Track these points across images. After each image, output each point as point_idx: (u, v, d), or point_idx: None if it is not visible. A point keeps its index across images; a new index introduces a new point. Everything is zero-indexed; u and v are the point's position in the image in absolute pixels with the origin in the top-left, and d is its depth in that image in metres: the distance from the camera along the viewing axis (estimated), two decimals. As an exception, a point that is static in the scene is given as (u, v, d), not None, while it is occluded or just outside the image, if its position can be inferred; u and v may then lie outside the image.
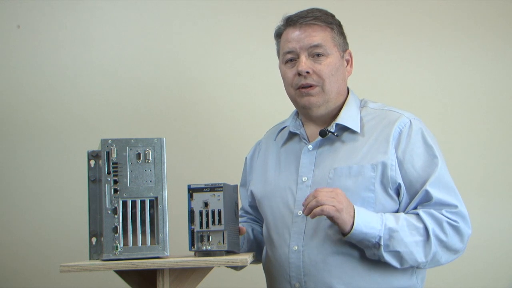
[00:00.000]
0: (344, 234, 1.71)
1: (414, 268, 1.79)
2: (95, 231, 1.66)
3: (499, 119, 2.58)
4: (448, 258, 1.76)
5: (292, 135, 1.95)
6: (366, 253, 1.73)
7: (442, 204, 1.75)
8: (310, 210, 1.68)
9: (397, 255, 1.71)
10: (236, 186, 1.78)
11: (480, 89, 2.59)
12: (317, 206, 1.66)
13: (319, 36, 1.85)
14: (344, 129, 1.86)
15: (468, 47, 2.60)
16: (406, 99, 2.53)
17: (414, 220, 1.73)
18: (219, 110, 2.61)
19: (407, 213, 1.77)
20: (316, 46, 1.84)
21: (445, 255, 1.75)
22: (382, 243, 1.69)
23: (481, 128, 2.57)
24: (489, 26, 2.60)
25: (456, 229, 1.74)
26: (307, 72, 1.83)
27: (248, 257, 1.60)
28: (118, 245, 1.57)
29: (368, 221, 1.69)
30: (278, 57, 1.95)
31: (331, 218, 1.68)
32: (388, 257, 1.71)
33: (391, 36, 2.61)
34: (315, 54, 1.84)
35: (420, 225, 1.72)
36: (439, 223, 1.73)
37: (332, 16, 1.91)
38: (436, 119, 2.52)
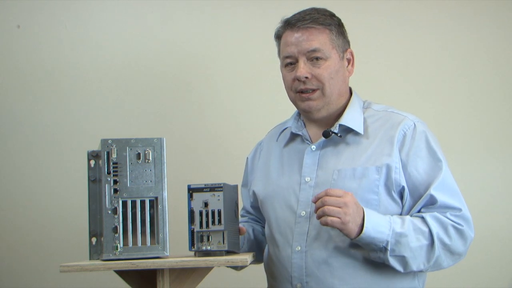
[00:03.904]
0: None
1: (416, 271, 1.79)
2: (95, 231, 1.66)
3: (499, 118, 2.57)
4: (450, 262, 1.76)
5: (294, 136, 1.94)
6: (371, 255, 1.72)
7: (446, 207, 1.74)
8: (317, 216, 1.67)
9: (402, 259, 1.70)
10: (236, 186, 1.78)
11: (481, 88, 2.58)
12: (324, 215, 1.65)
13: (317, 40, 1.83)
14: (347, 130, 1.85)
15: (468, 46, 2.60)
16: (405, 98, 2.53)
17: (420, 223, 1.72)
18: (219, 110, 2.60)
19: (411, 215, 1.76)
20: (314, 50, 1.82)
21: (447, 259, 1.74)
22: (389, 247, 1.68)
23: (481, 128, 2.57)
24: (490, 25, 2.59)
25: (460, 232, 1.74)
26: (306, 77, 1.82)
27: (248, 257, 1.59)
28: (118, 245, 1.57)
29: (377, 226, 1.67)
30: (279, 58, 1.93)
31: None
32: (393, 261, 1.70)
33: (391, 36, 2.61)
34: (314, 58, 1.83)
35: (426, 229, 1.71)
36: (444, 226, 1.72)
37: (331, 15, 1.89)
38: (436, 118, 2.51)
